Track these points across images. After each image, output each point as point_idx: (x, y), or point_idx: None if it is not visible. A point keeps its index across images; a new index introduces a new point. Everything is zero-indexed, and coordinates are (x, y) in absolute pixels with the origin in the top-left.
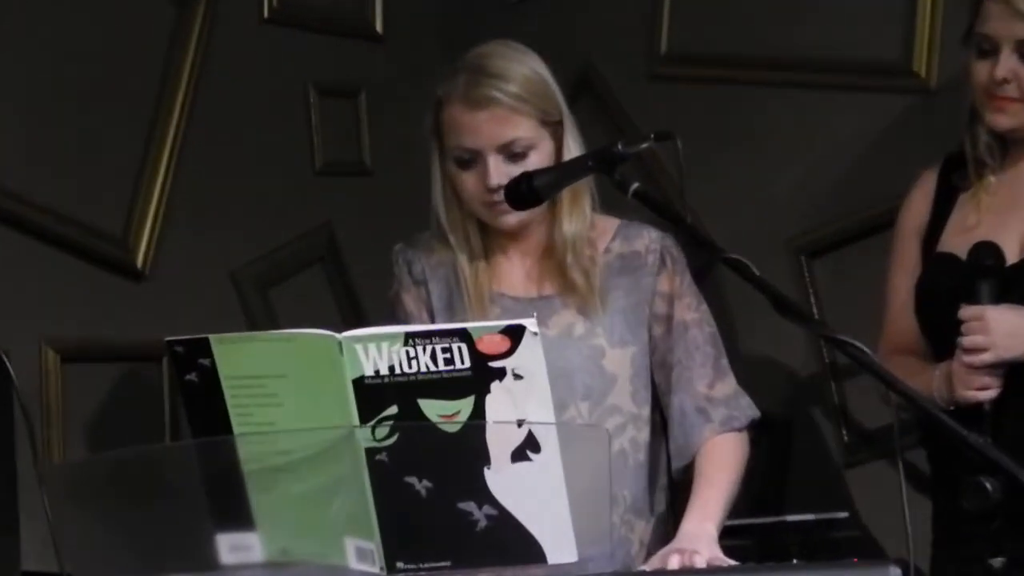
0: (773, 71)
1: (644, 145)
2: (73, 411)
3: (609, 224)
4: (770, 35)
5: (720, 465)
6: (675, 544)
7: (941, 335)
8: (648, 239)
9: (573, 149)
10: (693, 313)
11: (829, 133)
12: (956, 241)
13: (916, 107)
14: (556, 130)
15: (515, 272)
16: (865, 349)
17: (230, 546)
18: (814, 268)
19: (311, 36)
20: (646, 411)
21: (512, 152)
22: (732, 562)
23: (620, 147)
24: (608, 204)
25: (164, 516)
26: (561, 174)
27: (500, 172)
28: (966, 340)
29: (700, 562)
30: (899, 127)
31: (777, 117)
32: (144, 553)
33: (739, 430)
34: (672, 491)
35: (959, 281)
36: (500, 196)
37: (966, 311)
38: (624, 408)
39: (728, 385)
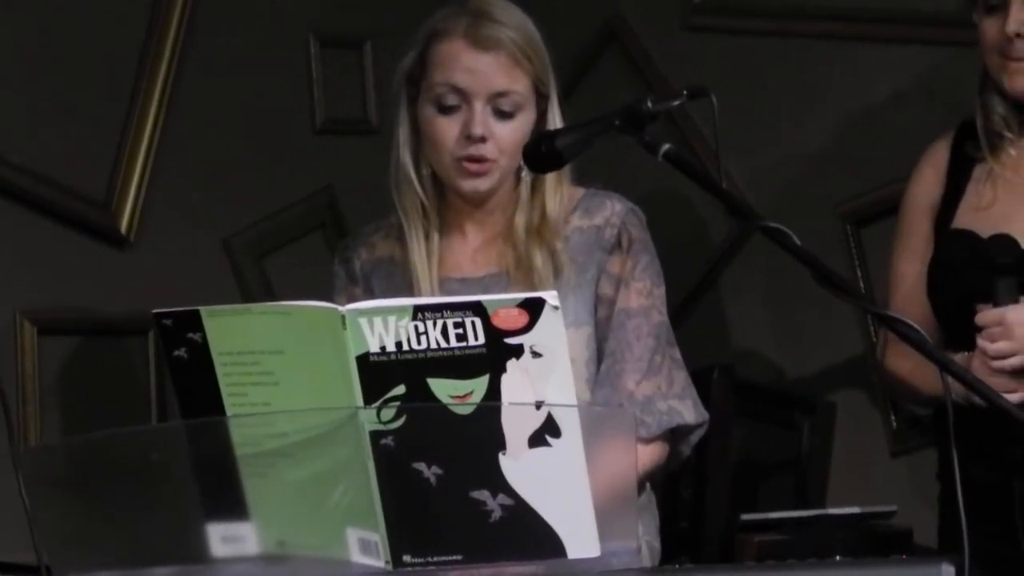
0: (819, 21)
1: (676, 102)
2: (51, 389)
3: (573, 194)
4: None
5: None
6: None
7: (957, 318)
8: (610, 211)
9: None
10: (643, 299)
11: (881, 89)
12: (970, 220)
13: (979, 62)
14: (540, 104)
15: (465, 251)
16: (917, 327)
17: (222, 537)
18: (862, 237)
19: None
20: None
21: (501, 106)
22: None
23: (650, 104)
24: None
25: (150, 504)
26: (585, 134)
27: (485, 123)
28: (991, 349)
29: None
30: (959, 83)
31: (824, 72)
32: (128, 544)
33: (645, 440)
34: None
35: (978, 257)
36: (478, 151)
37: (984, 316)
38: (581, 395)
39: (652, 384)
